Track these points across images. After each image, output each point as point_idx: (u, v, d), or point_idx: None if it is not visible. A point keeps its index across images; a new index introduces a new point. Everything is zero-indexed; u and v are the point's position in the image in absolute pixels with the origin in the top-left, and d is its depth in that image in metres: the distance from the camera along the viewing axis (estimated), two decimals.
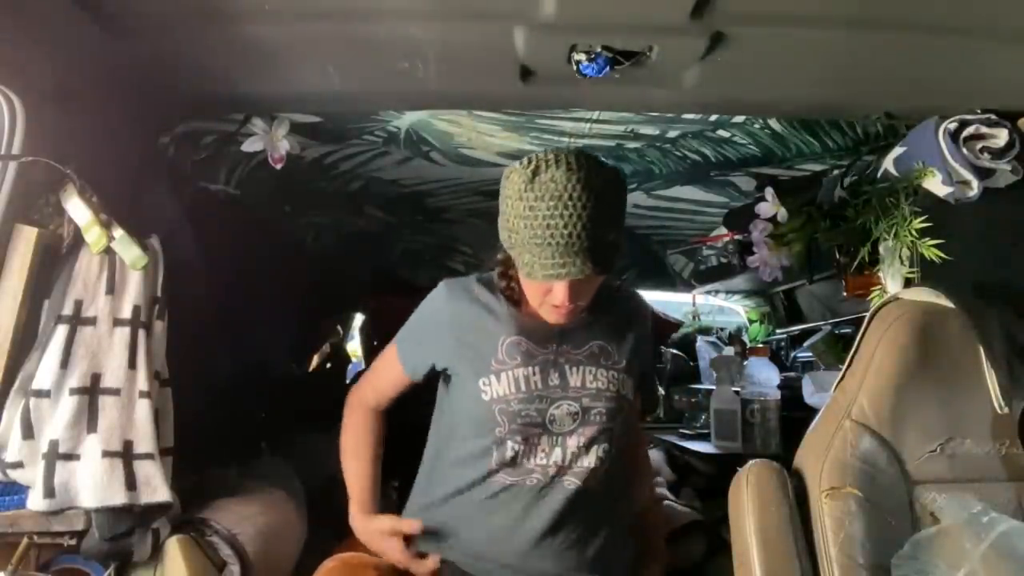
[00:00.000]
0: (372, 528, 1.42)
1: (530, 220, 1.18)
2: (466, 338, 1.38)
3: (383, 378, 1.51)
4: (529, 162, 1.22)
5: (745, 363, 2.35)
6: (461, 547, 1.37)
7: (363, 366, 3.09)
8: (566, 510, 1.34)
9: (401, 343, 1.48)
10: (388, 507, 2.10)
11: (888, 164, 1.61)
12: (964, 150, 1.47)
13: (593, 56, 1.30)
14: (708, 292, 2.91)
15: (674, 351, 3.04)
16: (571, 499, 1.35)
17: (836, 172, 1.92)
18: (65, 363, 1.29)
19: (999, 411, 1.31)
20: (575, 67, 1.32)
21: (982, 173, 1.47)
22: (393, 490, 2.17)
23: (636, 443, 1.59)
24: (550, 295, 1.26)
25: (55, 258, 1.34)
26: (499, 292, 1.42)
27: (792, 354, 2.88)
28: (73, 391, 1.28)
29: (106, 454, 1.27)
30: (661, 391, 2.75)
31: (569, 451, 1.35)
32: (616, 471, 1.42)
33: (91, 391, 1.30)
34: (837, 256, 1.76)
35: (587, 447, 1.35)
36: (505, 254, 1.37)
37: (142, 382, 1.33)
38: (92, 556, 1.28)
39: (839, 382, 1.41)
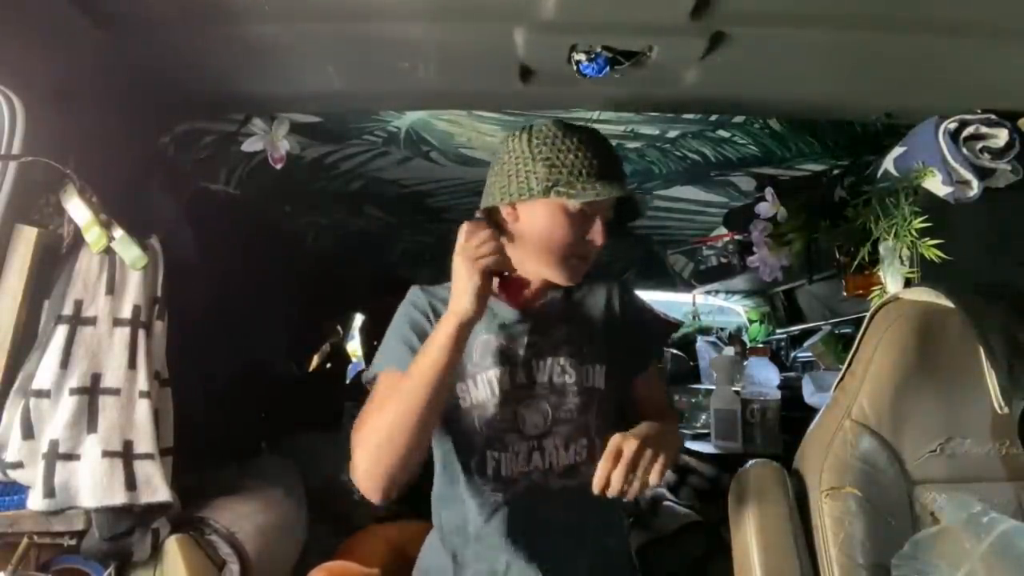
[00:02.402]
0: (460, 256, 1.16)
1: (580, 150, 1.24)
2: None
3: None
4: (544, 122, 1.29)
5: (745, 363, 2.35)
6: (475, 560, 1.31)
7: (363, 366, 3.09)
8: (559, 513, 1.30)
9: (390, 354, 1.33)
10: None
11: (888, 164, 1.61)
12: (964, 150, 1.47)
13: (593, 56, 1.30)
14: (708, 292, 2.91)
15: (674, 351, 3.04)
16: (561, 501, 1.30)
17: (836, 172, 1.92)
18: (65, 363, 1.29)
19: (999, 411, 1.30)
20: (575, 67, 1.32)
21: (982, 173, 1.47)
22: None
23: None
24: (586, 238, 1.27)
25: (55, 258, 1.34)
26: None
27: (792, 354, 2.88)
28: (73, 391, 1.28)
29: (106, 454, 1.27)
30: None
31: (547, 453, 1.29)
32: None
33: (91, 391, 1.30)
34: (837, 256, 1.76)
35: (565, 446, 1.30)
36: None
37: (142, 382, 1.33)
38: (92, 556, 1.28)
39: (839, 382, 1.41)
